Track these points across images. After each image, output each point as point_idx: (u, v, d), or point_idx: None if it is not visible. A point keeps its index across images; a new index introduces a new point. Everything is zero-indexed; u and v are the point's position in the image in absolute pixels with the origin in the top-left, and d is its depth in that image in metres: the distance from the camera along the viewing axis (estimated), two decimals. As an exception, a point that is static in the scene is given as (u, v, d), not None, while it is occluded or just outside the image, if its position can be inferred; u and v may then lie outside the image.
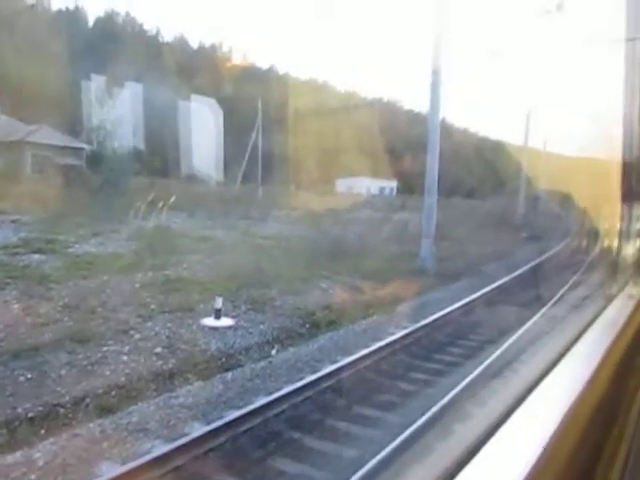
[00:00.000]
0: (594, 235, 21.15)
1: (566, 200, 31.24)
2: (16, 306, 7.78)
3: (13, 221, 16.03)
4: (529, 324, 8.14)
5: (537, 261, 16.34)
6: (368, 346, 7.16)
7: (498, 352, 6.77)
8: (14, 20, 34.82)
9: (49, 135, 28.89)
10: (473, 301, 10.27)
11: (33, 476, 3.99)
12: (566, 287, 11.45)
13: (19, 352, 6.11)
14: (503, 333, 8.05)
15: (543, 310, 9.19)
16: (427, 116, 15.85)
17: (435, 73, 14.34)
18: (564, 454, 0.75)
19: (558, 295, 10.57)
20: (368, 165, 41.59)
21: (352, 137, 42.69)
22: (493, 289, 11.47)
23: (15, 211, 17.09)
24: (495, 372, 6.04)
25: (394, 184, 50.12)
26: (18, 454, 4.31)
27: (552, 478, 0.69)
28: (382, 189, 49.54)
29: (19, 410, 4.96)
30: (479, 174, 49.04)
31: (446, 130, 28.42)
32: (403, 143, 41.34)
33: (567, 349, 1.10)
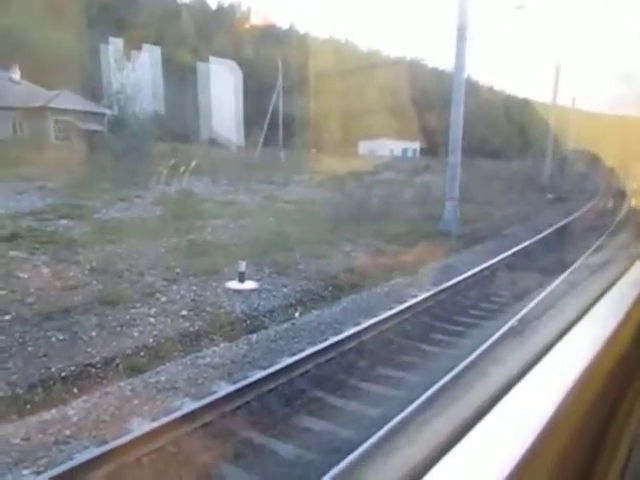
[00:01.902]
0: (621, 196, 20.57)
1: (594, 160, 30.34)
2: (46, 270, 7.99)
3: (40, 187, 16.32)
4: (552, 286, 8.04)
5: (562, 223, 16.02)
6: (391, 308, 7.19)
7: (520, 314, 6.73)
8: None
9: (71, 100, 29.00)
10: (496, 264, 10.16)
11: (68, 432, 4.17)
12: (592, 249, 11.24)
13: (50, 314, 6.30)
14: (526, 296, 7.99)
15: (567, 272, 9.06)
16: (452, 74, 15.34)
17: (460, 29, 13.79)
18: (579, 412, 0.75)
19: (583, 257, 10.39)
20: (391, 126, 40.86)
21: (375, 98, 41.83)
22: (517, 252, 11.32)
23: (41, 177, 17.38)
24: (516, 334, 6.02)
25: (417, 145, 49.26)
26: (54, 411, 4.50)
27: (566, 435, 0.69)
28: (405, 151, 48.78)
29: (52, 370, 5.15)
30: (505, 133, 47.80)
31: (471, 88, 27.61)
32: (427, 103, 40.31)
33: (587, 310, 1.08)
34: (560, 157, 33.55)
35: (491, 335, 6.09)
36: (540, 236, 13.27)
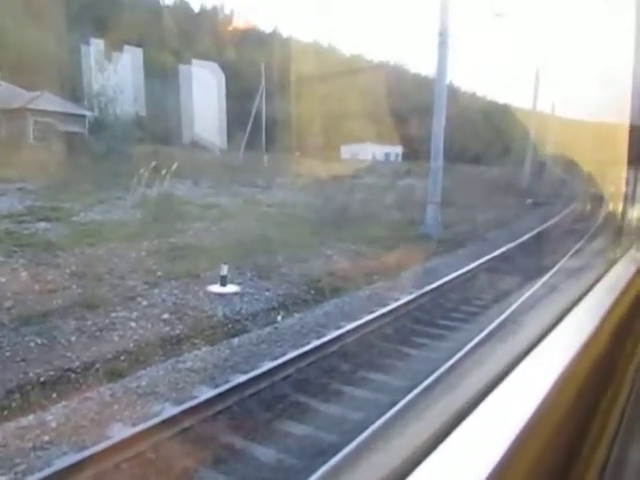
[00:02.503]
0: (599, 200, 21.00)
1: (572, 165, 30.89)
2: (24, 274, 7.87)
3: (18, 189, 16.04)
4: (532, 290, 8.18)
5: (542, 227, 16.28)
6: (372, 312, 7.23)
7: (501, 318, 6.84)
8: (10, -17, 33.93)
9: (51, 102, 28.57)
10: (477, 268, 10.29)
11: (46, 437, 4.12)
12: (571, 253, 11.45)
13: (29, 318, 6.21)
14: (506, 299, 8.11)
15: (547, 276, 9.21)
16: (433, 80, 15.52)
17: (442, 34, 13.98)
18: (557, 414, 0.77)
19: (562, 261, 10.58)
20: (373, 131, 41.08)
21: (357, 102, 42.01)
22: (498, 256, 11.48)
23: (20, 179, 17.07)
24: (497, 337, 6.11)
25: (399, 150, 49.56)
26: (31, 417, 4.43)
27: (545, 436, 0.71)
28: (387, 155, 49.07)
29: (31, 375, 5.08)
30: (486, 139, 48.38)
31: (453, 94, 27.94)
32: (409, 108, 40.62)
33: (567, 312, 1.11)
34: (539, 162, 34.10)
35: (472, 338, 6.17)
36: (520, 240, 13.47)
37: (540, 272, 9.47)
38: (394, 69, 57.61)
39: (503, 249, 12.04)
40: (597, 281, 1.41)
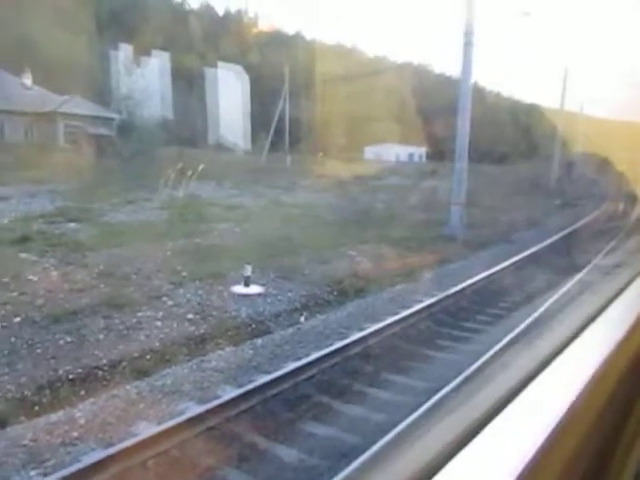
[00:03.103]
0: (632, 199, 20.44)
1: (603, 165, 30.17)
2: (54, 273, 8.07)
3: (49, 191, 16.47)
4: (561, 292, 8.01)
5: (570, 229, 15.95)
6: (396, 313, 7.19)
7: (527, 321, 6.72)
8: (42, -10, 34.85)
9: (80, 105, 29.27)
10: (503, 270, 10.13)
11: (75, 433, 4.21)
12: (601, 254, 11.18)
13: (59, 317, 6.36)
14: (533, 302, 7.97)
15: (576, 278, 9.02)
16: (458, 80, 15.36)
17: (467, 34, 13.82)
18: (590, 415, 0.75)
19: (592, 263, 10.34)
20: (397, 131, 40.90)
21: (381, 103, 41.88)
22: (524, 257, 11.28)
23: (51, 181, 17.52)
24: (524, 340, 6.00)
25: (423, 150, 49.20)
26: (61, 413, 4.54)
27: (577, 437, 0.69)
28: (411, 155, 48.77)
29: (60, 372, 5.20)
30: (512, 139, 47.68)
31: (478, 94, 27.62)
32: (433, 108, 40.27)
33: (599, 313, 1.08)
34: (568, 162, 33.40)
35: (497, 341, 6.08)
36: (548, 241, 13.21)
37: (569, 274, 9.28)
38: (418, 69, 57.26)
39: (530, 251, 11.83)
40: (631, 280, 1.38)
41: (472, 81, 15.22)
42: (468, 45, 13.86)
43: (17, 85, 30.77)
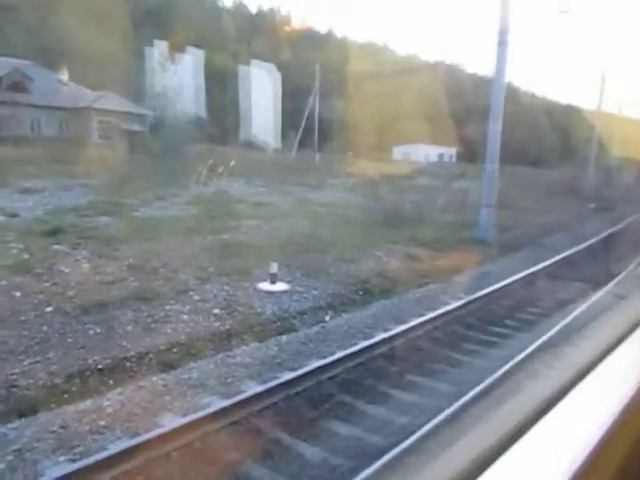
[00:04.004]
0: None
1: (643, 169, 29.24)
2: (85, 265, 8.25)
3: (82, 185, 16.88)
4: (594, 299, 7.79)
5: (605, 234, 15.49)
6: (422, 315, 7.11)
7: (557, 327, 6.55)
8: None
9: (114, 101, 29.92)
10: (534, 273, 9.91)
11: (102, 422, 4.29)
12: (636, 262, 10.83)
13: (89, 308, 6.51)
14: (565, 308, 7.77)
15: (610, 284, 8.76)
16: (491, 79, 15.08)
17: (501, 33, 13.55)
18: (637, 421, 0.72)
19: (628, 269, 10.02)
20: (427, 131, 40.49)
21: (412, 102, 41.52)
22: (557, 261, 11.01)
23: (84, 175, 17.96)
24: (553, 347, 5.86)
25: (454, 151, 48.62)
26: (89, 402, 4.64)
27: (631, 439, 0.66)
28: (441, 156, 48.24)
29: (90, 361, 5.32)
30: (546, 140, 46.67)
31: (511, 94, 27.09)
32: (465, 108, 39.73)
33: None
34: (605, 165, 32.47)
35: (525, 348, 5.94)
36: (582, 246, 12.86)
37: (603, 280, 9.02)
38: (450, 69, 56.55)
39: (562, 255, 11.54)
40: None
41: (506, 81, 14.91)
42: (502, 44, 13.59)
43: (54, 81, 31.68)
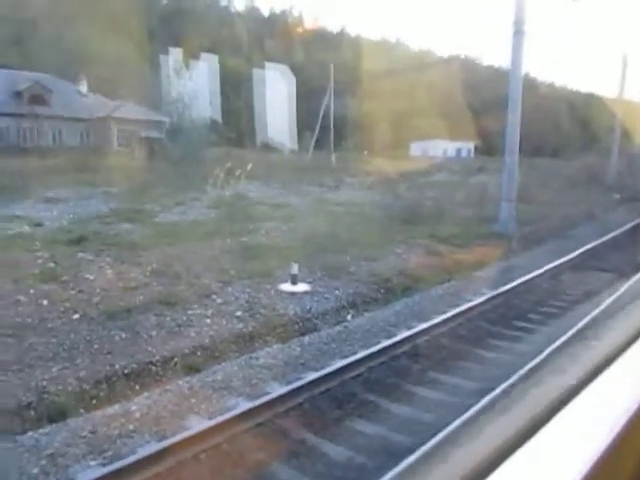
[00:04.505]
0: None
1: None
2: (109, 271, 8.39)
3: (104, 192, 17.16)
4: (621, 291, 7.63)
5: (630, 225, 15.15)
6: (445, 312, 7.06)
7: (584, 321, 6.43)
8: (95, 3, 36.34)
9: (132, 110, 30.37)
10: (558, 267, 9.75)
11: (131, 426, 4.36)
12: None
13: (114, 313, 6.61)
14: (591, 300, 7.63)
15: (638, 275, 8.56)
16: (508, 71, 14.89)
17: (517, 23, 13.36)
18: None
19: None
20: (444, 126, 40.12)
21: (427, 98, 41.23)
22: (581, 254, 10.82)
23: (105, 183, 18.26)
24: (580, 342, 5.75)
25: (472, 145, 48.13)
26: (117, 406, 4.71)
27: None
28: (459, 151, 47.81)
29: (116, 367, 5.41)
30: (566, 131, 45.89)
31: (529, 85, 26.64)
32: (482, 101, 39.28)
33: None
34: (628, 155, 31.71)
35: (552, 341, 5.85)
36: (606, 238, 12.61)
37: (629, 273, 8.83)
38: (465, 62, 55.98)
39: (586, 247, 11.32)
40: None
41: (523, 72, 14.69)
42: (518, 34, 13.40)
43: (74, 92, 32.30)
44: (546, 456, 0.56)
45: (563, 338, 5.72)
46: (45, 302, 6.88)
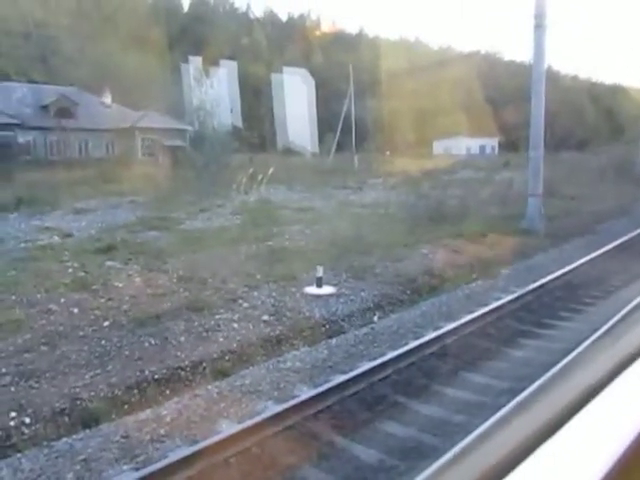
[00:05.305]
0: None
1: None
2: (138, 279, 8.53)
3: (130, 202, 17.49)
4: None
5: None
6: (473, 312, 6.96)
7: (616, 318, 6.25)
8: (116, 13, 37.13)
9: (155, 119, 30.93)
10: (589, 262, 9.52)
11: (162, 431, 4.42)
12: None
13: (143, 320, 6.71)
14: (624, 295, 7.42)
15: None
16: (530, 65, 14.64)
17: (538, 16, 13.13)
18: None
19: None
20: (467, 123, 39.69)
21: (448, 95, 40.87)
22: (613, 248, 10.54)
23: (131, 192, 18.60)
24: (613, 340, 5.58)
25: (496, 141, 47.49)
26: (148, 411, 4.78)
27: None
28: (483, 147, 47.23)
29: (146, 372, 5.49)
30: (592, 123, 44.87)
31: (552, 78, 26.15)
32: (505, 97, 38.71)
33: None
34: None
35: (584, 339, 5.71)
36: (637, 232, 12.26)
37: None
38: (486, 58, 55.30)
39: (618, 242, 11.03)
40: None
41: (545, 65, 14.43)
42: (539, 28, 13.16)
43: (98, 105, 33.05)
44: (569, 453, 0.55)
45: (593, 336, 5.58)
46: (76, 310, 7.03)
